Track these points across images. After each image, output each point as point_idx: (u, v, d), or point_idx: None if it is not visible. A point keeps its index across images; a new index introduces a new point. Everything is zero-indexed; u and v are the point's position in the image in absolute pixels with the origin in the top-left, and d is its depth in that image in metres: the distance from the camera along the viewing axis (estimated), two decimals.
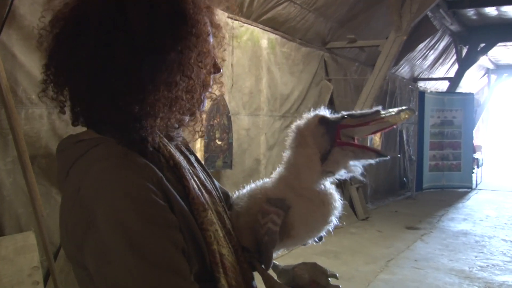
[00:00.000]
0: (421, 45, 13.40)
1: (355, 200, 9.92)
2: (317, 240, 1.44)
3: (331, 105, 9.40)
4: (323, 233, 1.40)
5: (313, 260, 1.54)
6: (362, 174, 1.33)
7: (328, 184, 1.37)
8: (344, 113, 1.32)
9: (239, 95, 6.96)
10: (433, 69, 16.27)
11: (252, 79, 7.28)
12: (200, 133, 1.31)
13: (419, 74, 15.76)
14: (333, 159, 1.30)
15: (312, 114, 1.36)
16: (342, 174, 1.35)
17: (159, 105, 1.09)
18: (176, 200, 1.11)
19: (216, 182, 1.48)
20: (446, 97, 14.54)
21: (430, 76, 16.49)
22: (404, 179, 14.42)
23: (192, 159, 1.37)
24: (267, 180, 1.43)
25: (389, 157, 1.30)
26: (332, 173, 1.33)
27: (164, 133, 1.24)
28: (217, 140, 6.24)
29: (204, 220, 1.17)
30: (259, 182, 1.45)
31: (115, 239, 0.99)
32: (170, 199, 1.09)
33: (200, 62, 1.17)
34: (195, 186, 1.22)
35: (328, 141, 1.30)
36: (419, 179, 13.47)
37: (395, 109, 1.28)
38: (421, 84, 16.10)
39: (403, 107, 1.28)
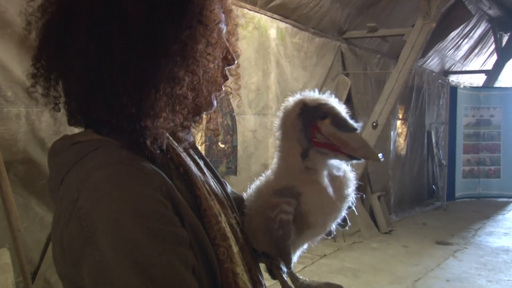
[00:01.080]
0: (453, 33, 13.31)
1: (377, 211, 9.92)
2: (342, 223, 1.45)
3: (349, 103, 9.40)
4: (345, 212, 1.40)
5: (330, 279, 1.54)
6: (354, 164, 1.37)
7: (345, 167, 1.40)
8: (332, 106, 1.34)
9: (245, 92, 6.98)
10: (467, 60, 16.20)
11: (259, 74, 7.31)
12: (215, 131, 1.32)
13: (450, 67, 15.71)
14: (312, 158, 1.32)
15: (297, 97, 1.39)
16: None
17: (160, 104, 1.08)
18: (187, 212, 1.11)
19: (228, 187, 1.51)
20: (483, 92, 14.45)
21: (463, 69, 16.42)
22: (433, 186, 14.38)
23: (201, 163, 1.37)
24: (269, 172, 1.45)
25: (362, 160, 1.33)
26: (315, 169, 1.34)
27: (171, 134, 1.23)
28: (219, 143, 6.25)
29: (217, 234, 1.17)
30: (262, 177, 1.47)
31: (118, 258, 0.97)
32: (180, 211, 1.09)
33: (208, 55, 1.15)
34: (207, 195, 1.21)
35: (306, 138, 1.32)
36: (450, 187, 13.40)
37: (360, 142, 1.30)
38: (453, 78, 16.05)
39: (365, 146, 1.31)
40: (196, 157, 1.36)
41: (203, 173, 1.32)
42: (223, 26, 1.24)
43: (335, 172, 1.37)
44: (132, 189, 1.01)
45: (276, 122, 1.39)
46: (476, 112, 14.04)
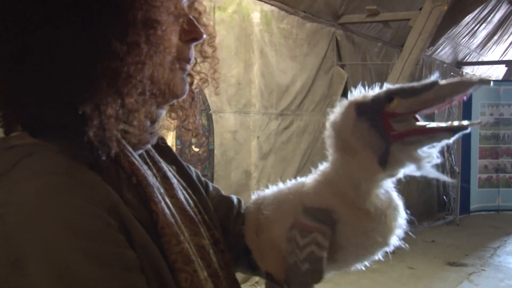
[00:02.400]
0: (468, 18, 13.39)
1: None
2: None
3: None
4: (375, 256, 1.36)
5: None
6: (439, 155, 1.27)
7: (390, 187, 1.33)
8: (389, 87, 1.25)
9: (223, 87, 6.99)
10: (485, 50, 16.30)
11: (240, 65, 7.35)
12: (194, 132, 1.30)
13: (464, 57, 15.80)
14: (396, 158, 1.23)
15: (342, 103, 1.31)
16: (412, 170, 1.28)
17: (97, 84, 1.04)
18: (138, 231, 1.08)
19: (215, 189, 1.51)
20: (503, 87, 14.43)
21: (480, 60, 16.50)
22: (444, 197, 14.41)
23: (170, 171, 1.37)
24: (302, 180, 1.40)
25: (469, 128, 1.20)
26: (396, 174, 1.28)
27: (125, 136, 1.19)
28: (193, 146, 6.26)
29: (177, 257, 1.14)
30: (290, 183, 1.42)
31: (49, 286, 0.94)
32: (129, 230, 1.06)
33: (155, 22, 1.11)
34: (167, 211, 1.18)
35: (380, 136, 1.22)
36: (464, 198, 13.40)
37: (460, 79, 1.20)
38: (468, 71, 16.12)
39: (472, 79, 1.19)
40: (161, 164, 1.35)
41: (169, 183, 1.31)
42: None
43: (389, 194, 1.31)
44: (68, 204, 0.98)
45: (327, 142, 1.32)
46: (495, 110, 14.08)
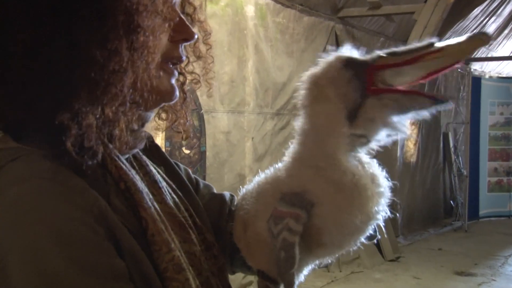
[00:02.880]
0: (476, 11, 13.41)
1: (381, 233, 9.91)
2: (367, 240, 1.40)
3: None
4: (370, 231, 1.36)
5: None
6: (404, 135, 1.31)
7: (364, 156, 1.34)
8: (379, 52, 1.28)
9: (216, 85, 6.97)
10: (494, 44, 16.28)
11: (233, 62, 7.36)
12: (184, 134, 1.30)
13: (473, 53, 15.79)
14: (366, 115, 1.26)
15: (331, 56, 1.33)
16: (380, 138, 1.31)
17: (77, 92, 1.04)
18: (127, 239, 1.09)
19: (206, 187, 1.53)
20: None
21: (489, 55, 16.52)
22: (452, 202, 14.42)
23: (158, 174, 1.37)
24: (279, 165, 1.41)
25: (451, 102, 1.24)
26: (365, 137, 1.29)
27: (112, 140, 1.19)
28: (183, 148, 6.26)
29: (168, 265, 1.15)
30: (270, 170, 1.43)
31: None
32: (117, 238, 1.07)
33: (138, 28, 1.10)
34: (156, 217, 1.19)
35: (358, 90, 1.25)
36: (473, 202, 13.45)
37: (460, 38, 1.21)
38: (476, 67, 16.15)
39: (473, 34, 1.21)
40: (149, 167, 1.35)
41: (158, 188, 1.32)
42: None
43: (361, 169, 1.30)
44: (54, 210, 0.99)
45: (301, 91, 1.34)
46: (506, 109, 14.12)
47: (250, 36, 7.65)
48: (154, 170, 1.36)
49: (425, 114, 1.25)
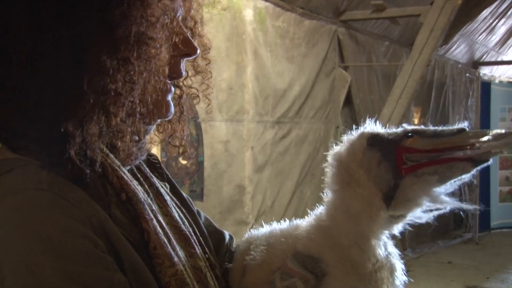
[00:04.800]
0: (485, 12, 13.39)
1: None
2: None
3: (348, 105, 9.44)
4: None
5: None
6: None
7: (390, 244, 1.36)
8: (406, 127, 1.29)
9: (214, 92, 6.94)
10: (504, 47, 16.30)
11: (231, 68, 7.36)
12: (181, 148, 1.34)
13: (481, 56, 15.81)
14: (406, 195, 1.26)
15: (354, 134, 1.34)
16: (420, 215, 1.32)
17: (84, 102, 1.05)
18: (127, 252, 1.09)
19: (207, 220, 1.53)
20: None
21: (499, 59, 16.51)
22: (461, 213, 14.28)
23: (162, 187, 1.38)
24: (299, 222, 1.42)
25: (491, 160, 1.23)
26: (403, 216, 1.31)
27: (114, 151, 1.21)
28: (180, 159, 6.25)
29: (171, 280, 1.15)
30: (286, 223, 1.44)
31: None
32: (117, 250, 1.07)
33: (149, 39, 1.13)
34: (159, 230, 1.20)
35: (389, 171, 1.26)
36: (484, 213, 13.35)
37: (492, 132, 1.22)
38: (485, 71, 16.10)
39: (503, 131, 1.22)
40: (153, 179, 1.36)
41: (163, 200, 1.32)
42: (176, 7, 1.24)
43: (383, 258, 1.32)
44: (51, 222, 1.00)
45: (328, 173, 1.35)
46: None
47: (248, 41, 7.65)
48: (158, 184, 1.37)
49: (466, 177, 1.26)
